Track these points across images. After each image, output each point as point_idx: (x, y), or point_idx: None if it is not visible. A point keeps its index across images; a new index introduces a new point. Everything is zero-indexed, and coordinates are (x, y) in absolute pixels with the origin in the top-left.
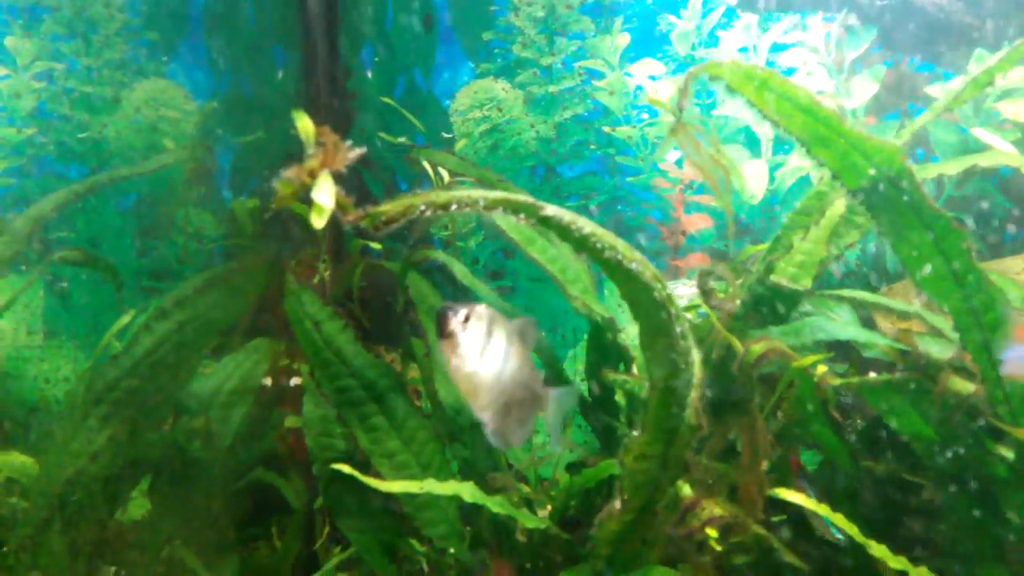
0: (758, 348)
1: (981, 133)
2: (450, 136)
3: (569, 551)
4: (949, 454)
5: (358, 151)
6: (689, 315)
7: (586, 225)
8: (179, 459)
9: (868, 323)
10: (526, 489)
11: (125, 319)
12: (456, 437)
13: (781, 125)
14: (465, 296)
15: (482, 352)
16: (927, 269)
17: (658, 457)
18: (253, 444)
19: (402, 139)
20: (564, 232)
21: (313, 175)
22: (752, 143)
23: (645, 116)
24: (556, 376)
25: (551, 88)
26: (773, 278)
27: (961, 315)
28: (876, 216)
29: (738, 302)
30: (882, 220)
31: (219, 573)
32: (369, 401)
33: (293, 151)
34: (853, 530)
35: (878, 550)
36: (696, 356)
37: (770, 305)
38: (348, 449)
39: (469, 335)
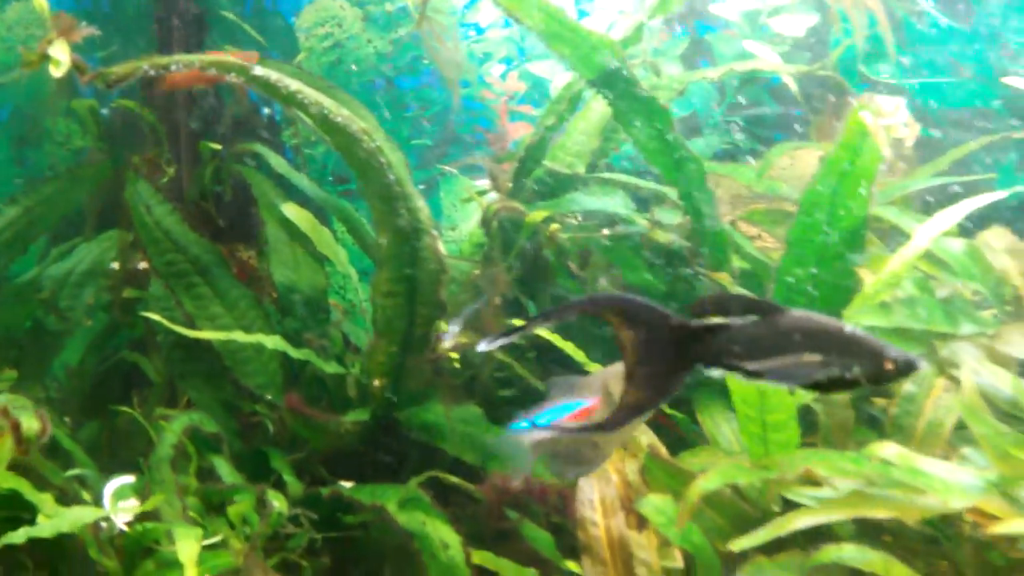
0: (494, 207)
1: (750, 44)
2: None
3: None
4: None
5: (91, 29)
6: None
7: (292, 83)
8: (37, 331)
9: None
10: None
11: None
12: (288, 311)
13: (522, 21)
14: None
15: None
16: (647, 142)
17: (404, 295)
18: (121, 329)
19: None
20: (273, 89)
21: (51, 43)
22: None
23: (472, 34)
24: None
25: (387, 7)
26: (548, 163)
27: (677, 182)
28: (609, 101)
29: (510, 183)
30: (613, 104)
31: (81, 433)
32: (194, 273)
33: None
34: (577, 352)
35: (573, 351)
36: (421, 203)
37: (548, 186)
38: (186, 321)
39: None
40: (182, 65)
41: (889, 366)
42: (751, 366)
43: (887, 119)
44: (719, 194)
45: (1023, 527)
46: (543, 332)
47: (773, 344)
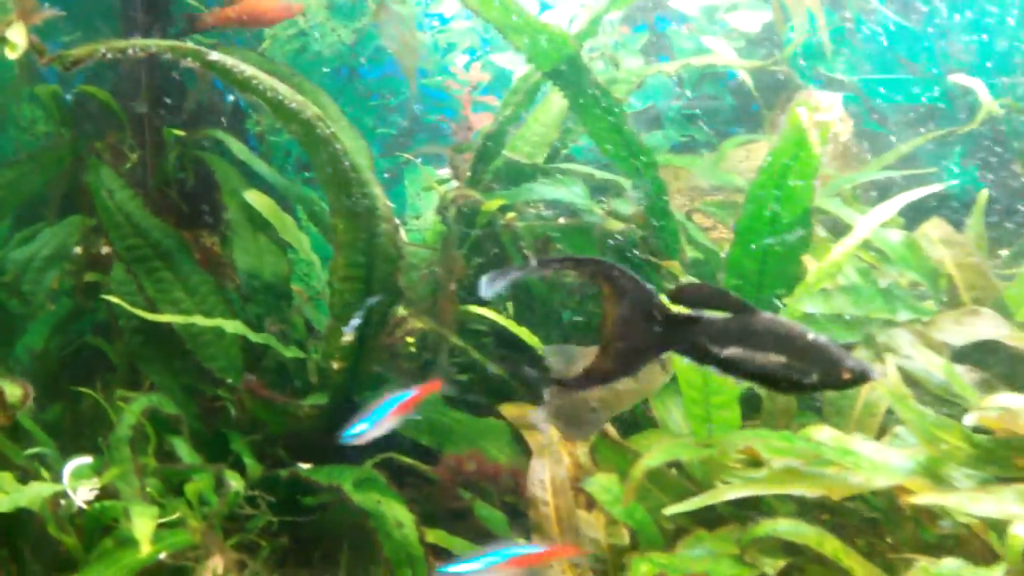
0: (451, 194)
1: (708, 40)
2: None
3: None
4: None
5: (53, 11)
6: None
7: (248, 69)
8: (0, 314)
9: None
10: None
11: None
12: (250, 298)
13: (480, 13)
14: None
15: None
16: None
17: (361, 279)
18: (85, 313)
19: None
20: (228, 75)
21: (9, 25)
22: None
23: (436, 24)
24: None
25: None
26: (507, 153)
27: (630, 173)
28: (564, 92)
29: (468, 172)
30: (567, 96)
31: (44, 416)
32: (155, 258)
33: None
34: (531, 338)
35: (523, 333)
36: (378, 190)
37: (508, 176)
38: (147, 305)
39: None
40: (139, 48)
41: (846, 375)
42: (726, 351)
43: (823, 114)
44: (677, 186)
45: (935, 499)
46: (500, 318)
47: (741, 342)
